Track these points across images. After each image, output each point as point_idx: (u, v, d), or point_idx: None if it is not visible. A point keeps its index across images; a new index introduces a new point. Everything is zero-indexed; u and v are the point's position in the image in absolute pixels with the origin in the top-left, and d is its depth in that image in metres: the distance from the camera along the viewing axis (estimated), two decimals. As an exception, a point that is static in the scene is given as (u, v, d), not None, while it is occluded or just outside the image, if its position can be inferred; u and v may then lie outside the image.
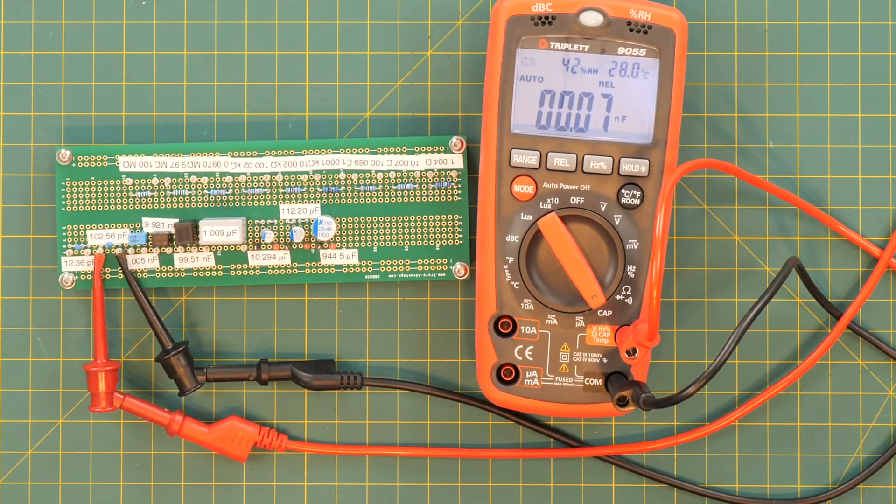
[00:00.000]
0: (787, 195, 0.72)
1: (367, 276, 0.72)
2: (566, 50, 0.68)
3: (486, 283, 0.69)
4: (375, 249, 0.72)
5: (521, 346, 0.69)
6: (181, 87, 0.73)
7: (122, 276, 0.72)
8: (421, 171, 0.72)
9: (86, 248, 0.72)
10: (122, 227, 0.72)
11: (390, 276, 0.72)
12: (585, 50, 0.68)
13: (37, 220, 0.73)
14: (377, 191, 0.72)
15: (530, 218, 0.68)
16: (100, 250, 0.72)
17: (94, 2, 0.73)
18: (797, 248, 0.73)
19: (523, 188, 0.68)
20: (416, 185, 0.72)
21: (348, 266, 0.72)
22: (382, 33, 0.73)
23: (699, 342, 0.73)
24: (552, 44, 0.68)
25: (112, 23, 0.73)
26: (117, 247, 0.72)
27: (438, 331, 0.73)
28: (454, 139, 0.72)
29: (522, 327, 0.69)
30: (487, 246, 0.69)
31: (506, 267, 0.69)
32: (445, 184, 0.72)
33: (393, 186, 0.72)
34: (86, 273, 0.72)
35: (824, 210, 0.73)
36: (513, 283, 0.69)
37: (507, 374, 0.70)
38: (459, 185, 0.72)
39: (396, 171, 0.72)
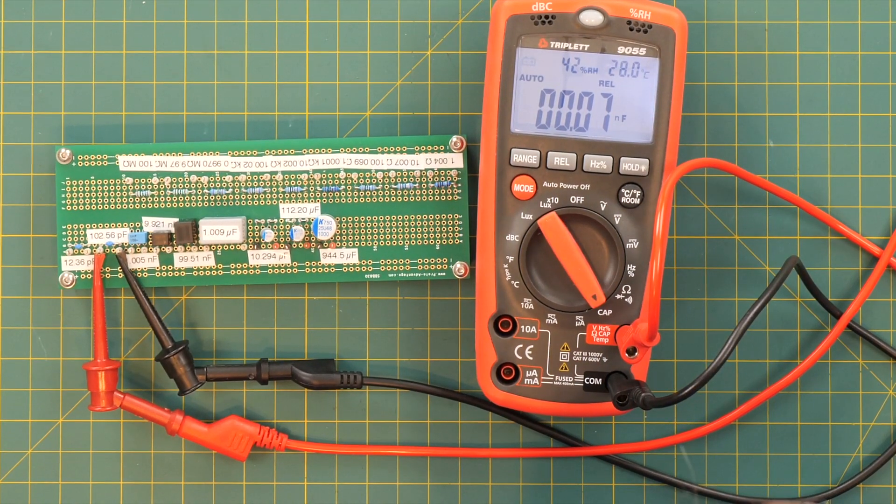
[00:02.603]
0: (787, 195, 0.72)
1: (367, 276, 0.72)
2: (566, 49, 0.68)
3: (485, 282, 0.69)
4: (375, 249, 0.72)
5: (521, 346, 0.69)
6: (181, 86, 0.73)
7: (122, 275, 0.72)
8: (421, 171, 0.72)
9: (86, 247, 0.72)
10: (122, 227, 0.72)
11: (390, 275, 0.72)
12: (585, 49, 0.68)
13: (37, 219, 0.73)
14: (377, 190, 0.72)
15: (530, 217, 0.68)
16: (100, 249, 0.72)
17: (94, 2, 0.73)
18: (797, 248, 0.73)
19: (523, 187, 0.68)
20: (416, 185, 0.72)
21: (348, 265, 0.72)
22: (382, 33, 0.73)
23: (699, 342, 0.73)
24: (552, 43, 0.68)
25: (112, 22, 0.73)
26: (117, 246, 0.72)
27: (438, 330, 0.73)
28: (454, 138, 0.72)
29: (522, 326, 0.69)
30: (487, 245, 0.69)
31: (506, 266, 0.69)
32: (445, 183, 0.72)
33: (393, 186, 0.72)
34: (86, 272, 0.72)
35: (824, 210, 0.73)
36: (513, 282, 0.69)
37: (507, 374, 0.70)
38: (459, 185, 0.72)
39: (396, 171, 0.72)
